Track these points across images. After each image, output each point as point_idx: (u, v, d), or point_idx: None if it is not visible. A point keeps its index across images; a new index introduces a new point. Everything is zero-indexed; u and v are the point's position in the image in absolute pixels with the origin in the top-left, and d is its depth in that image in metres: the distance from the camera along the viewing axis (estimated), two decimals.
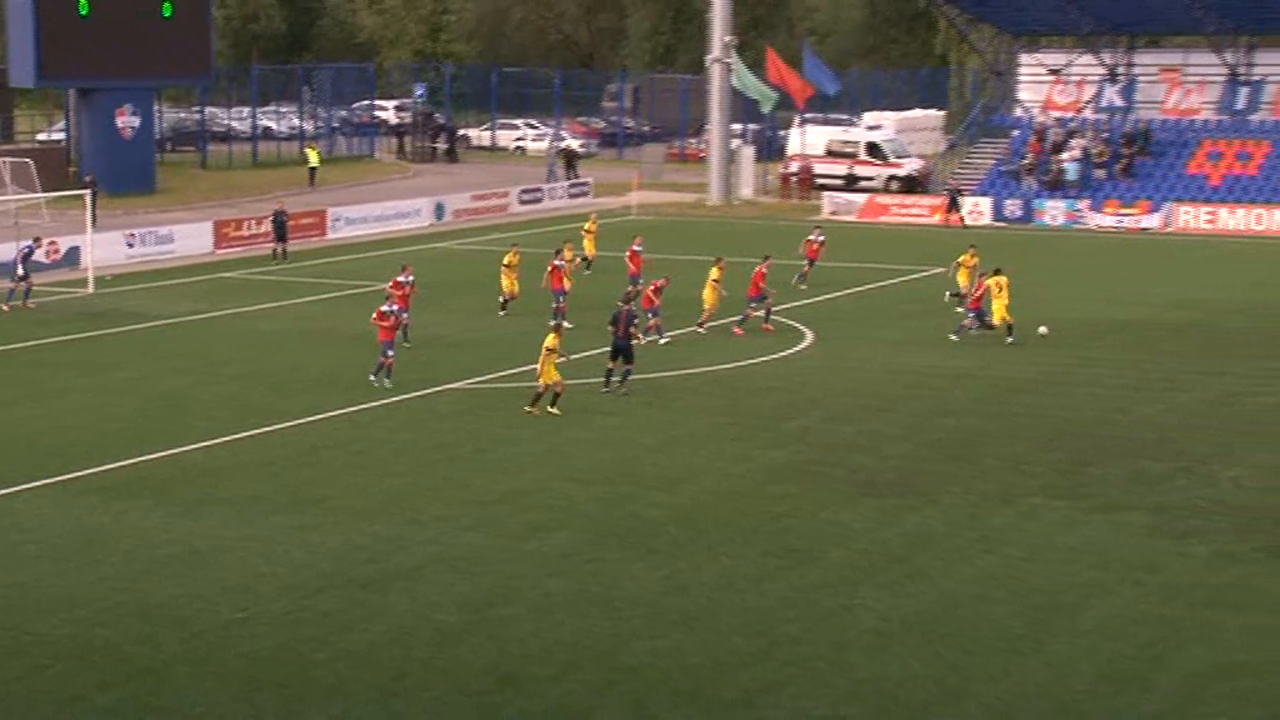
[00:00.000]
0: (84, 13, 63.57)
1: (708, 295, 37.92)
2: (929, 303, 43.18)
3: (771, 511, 24.07)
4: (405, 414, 30.34)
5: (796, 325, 38.98)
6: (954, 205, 62.44)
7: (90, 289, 44.91)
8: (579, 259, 45.17)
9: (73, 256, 48.42)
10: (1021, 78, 71.31)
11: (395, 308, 32.96)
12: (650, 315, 36.19)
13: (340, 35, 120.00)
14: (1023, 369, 34.44)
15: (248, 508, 24.11)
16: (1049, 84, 69.75)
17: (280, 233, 51.42)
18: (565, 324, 37.30)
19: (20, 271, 42.24)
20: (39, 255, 44.38)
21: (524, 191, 67.65)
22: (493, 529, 23.13)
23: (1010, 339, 36.64)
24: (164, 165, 72.56)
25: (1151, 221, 61.02)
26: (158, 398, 31.81)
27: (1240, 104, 65.76)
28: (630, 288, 40.01)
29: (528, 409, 29.71)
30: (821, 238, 46.00)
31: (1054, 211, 62.56)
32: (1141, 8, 67.70)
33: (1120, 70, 68.72)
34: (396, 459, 27.01)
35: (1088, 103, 68.62)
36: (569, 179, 73.08)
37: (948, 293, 42.07)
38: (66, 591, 20.42)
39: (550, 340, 29.85)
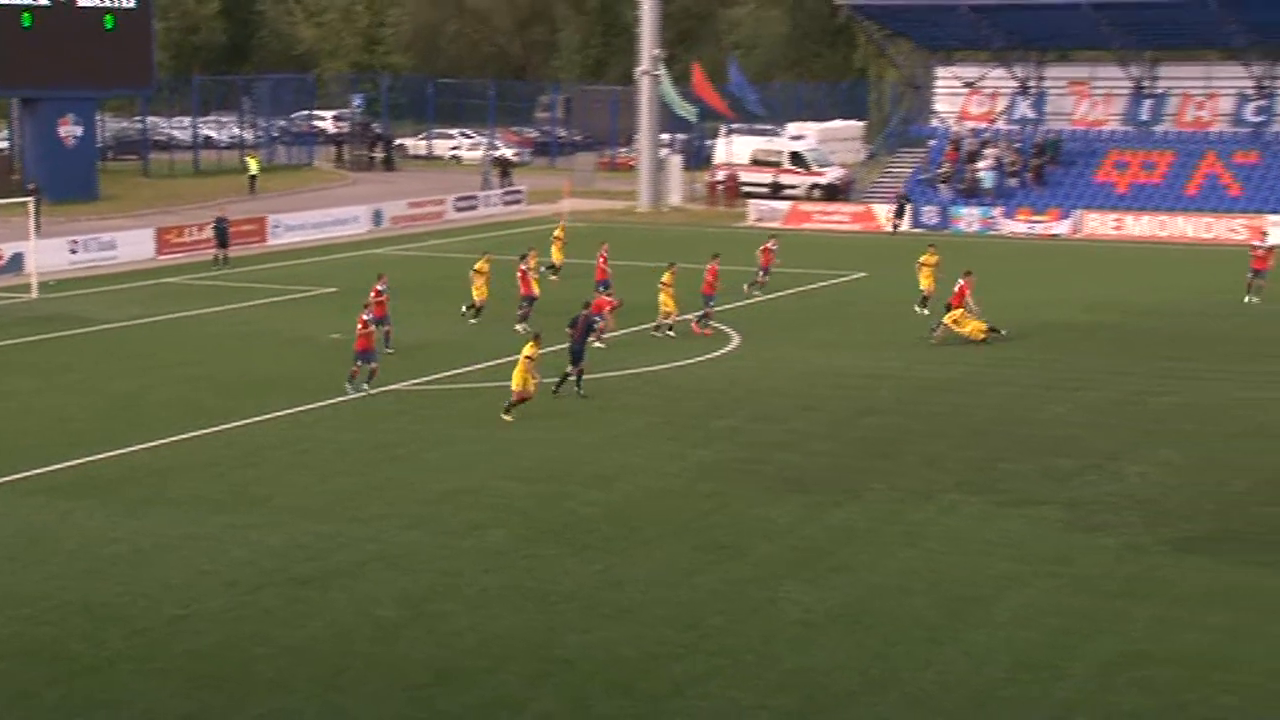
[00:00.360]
0: (27, 24, 62.81)
1: (666, 299, 37.83)
2: (852, 306, 43.36)
3: (701, 508, 24.09)
4: (349, 415, 30.14)
5: (724, 328, 39.04)
6: (900, 212, 62.75)
7: (34, 294, 44.35)
8: (543, 265, 44.89)
9: (17, 262, 47.80)
10: (937, 90, 71.73)
11: (370, 316, 32.04)
12: (598, 319, 36.08)
13: (279, 47, 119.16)
14: (942, 370, 34.65)
15: (192, 507, 23.88)
16: (964, 96, 70.20)
17: (222, 239, 51.07)
18: (521, 327, 37.43)
19: None
20: None
21: (459, 199, 67.38)
22: (432, 527, 23.01)
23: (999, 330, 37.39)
24: (106, 173, 71.82)
25: (1061, 228, 61.58)
26: (104, 400, 31.45)
27: (1145, 115, 66.45)
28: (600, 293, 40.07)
29: (504, 416, 29.24)
30: (775, 245, 45.78)
31: (969, 218, 62.99)
32: (1051, 24, 68.28)
33: (1031, 83, 69.29)
34: (339, 459, 26.83)
35: (1000, 114, 69.13)
36: (503, 187, 72.88)
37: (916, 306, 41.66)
38: (12, 590, 20.16)
39: (529, 349, 29.43)
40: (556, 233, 49.39)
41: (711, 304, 38.73)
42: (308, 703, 16.92)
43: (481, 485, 25.19)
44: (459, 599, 20.02)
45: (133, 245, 52.50)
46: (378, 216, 62.29)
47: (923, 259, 42.12)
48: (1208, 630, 19.16)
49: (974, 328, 37.22)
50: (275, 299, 44.48)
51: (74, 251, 50.63)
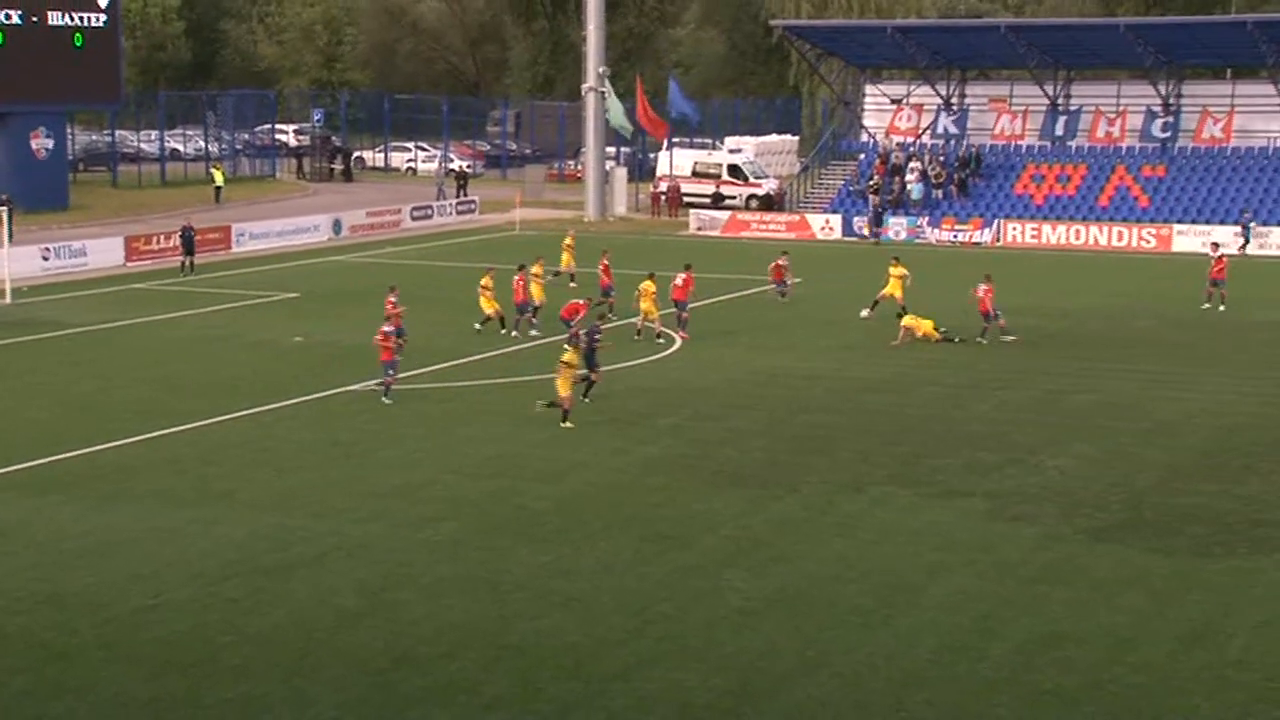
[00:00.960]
0: (0, 42, 62.09)
1: (647, 307, 37.62)
2: (786, 310, 43.41)
3: (647, 501, 24.02)
4: (307, 414, 29.89)
5: (669, 331, 38.98)
6: (879, 221, 62.85)
7: (7, 300, 43.79)
8: (551, 272, 44.26)
9: None
10: (867, 106, 71.99)
11: (392, 328, 31.18)
12: (568, 324, 35.86)
13: (242, 64, 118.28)
14: (872, 370, 34.73)
15: (157, 502, 23.61)
16: (891, 112, 70.46)
17: (188, 247, 50.68)
18: (513, 332, 37.43)
19: None
20: None
21: (415, 209, 67.03)
22: (388, 520, 22.84)
23: (953, 338, 37.35)
24: (77, 184, 71.03)
25: (983, 236, 61.92)
26: (71, 401, 31.07)
27: (1060, 131, 66.90)
28: (602, 299, 39.85)
29: (564, 425, 28.44)
30: (787, 262, 45.18)
31: (897, 227, 63.25)
32: (972, 45, 68.73)
33: (954, 100, 69.66)
34: (298, 456, 26.60)
35: (925, 129, 69.45)
36: (459, 198, 72.60)
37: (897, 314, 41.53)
38: None
39: (568, 355, 28.82)
40: (567, 240, 48.97)
41: (685, 309, 38.64)
42: (272, 687, 16.74)
43: (433, 480, 25.04)
44: (415, 588, 19.87)
45: (102, 253, 51.96)
46: (337, 225, 61.90)
47: (891, 270, 41.49)
48: (1120, 611, 19.27)
49: (928, 328, 37.45)
50: (239, 304, 44.08)
51: (46, 259, 50.06)
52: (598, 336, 31.69)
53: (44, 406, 30.50)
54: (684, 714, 16.32)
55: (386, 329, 31.10)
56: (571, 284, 45.25)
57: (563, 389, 28.63)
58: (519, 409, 30.13)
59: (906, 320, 37.76)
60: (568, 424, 28.51)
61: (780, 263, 44.89)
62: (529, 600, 19.49)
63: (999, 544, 22.04)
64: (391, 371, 30.83)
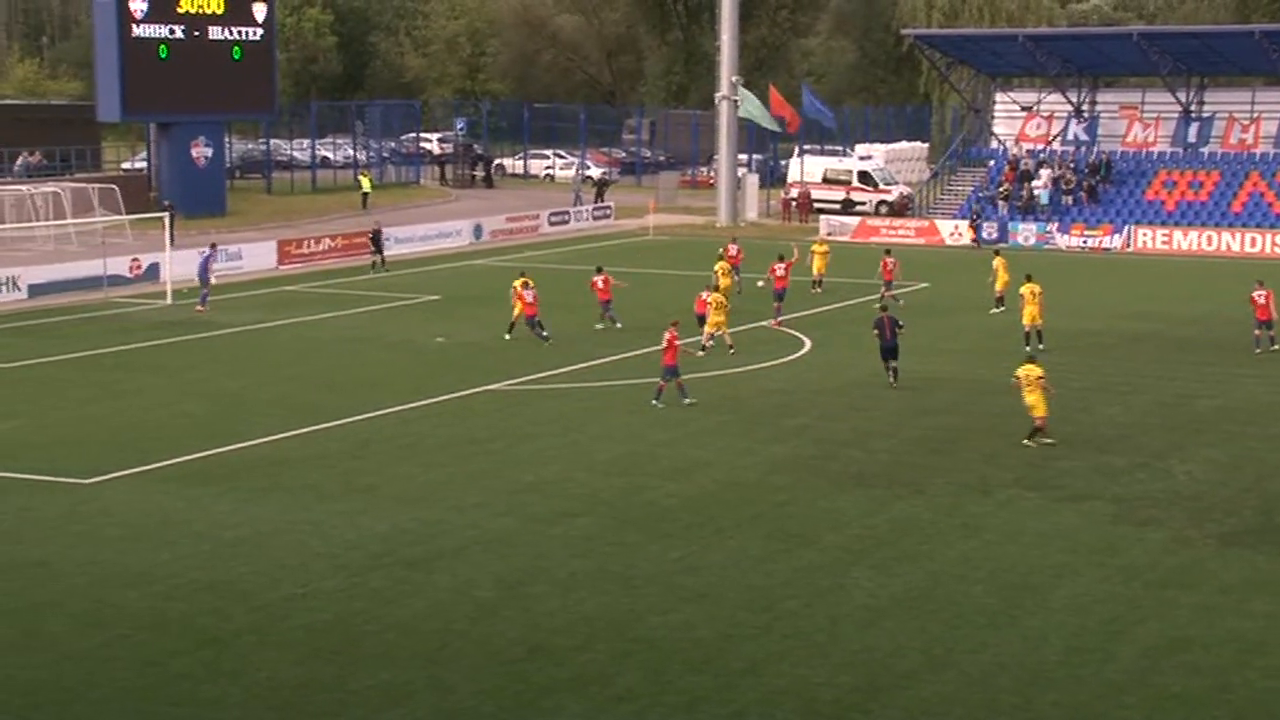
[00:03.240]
0: (164, 56, 63.74)
1: (720, 319, 35.73)
2: (910, 314, 42.97)
3: (773, 500, 23.96)
4: (447, 412, 30.27)
5: (797, 335, 38.84)
6: (977, 228, 62.27)
7: (169, 300, 44.94)
8: (814, 283, 44.56)
9: (153, 272, 48.47)
10: (996, 114, 71.01)
11: (670, 333, 30.12)
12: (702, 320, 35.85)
13: (390, 75, 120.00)
14: (996, 372, 34.19)
15: (305, 495, 24.07)
16: (1021, 119, 69.46)
17: (377, 245, 52.51)
18: (607, 324, 37.65)
19: (205, 276, 43.56)
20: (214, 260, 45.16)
21: (553, 214, 67.54)
22: (524, 515, 23.05)
23: (1040, 345, 35.75)
24: (233, 191, 72.58)
25: (1113, 242, 60.73)
26: (225, 397, 31.78)
27: (1192, 138, 65.41)
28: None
29: (1045, 441, 27.07)
30: (894, 262, 45.07)
31: (1026, 233, 62.26)
32: (1102, 52, 67.44)
33: (1084, 107, 68.44)
34: (438, 452, 26.95)
35: (1055, 136, 68.32)
36: (596, 204, 73.04)
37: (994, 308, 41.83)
38: (145, 569, 20.41)
39: (1033, 370, 27.04)
40: (818, 247, 47.93)
41: (781, 300, 39.58)
42: (413, 675, 16.98)
43: (566, 477, 25.20)
44: (550, 581, 20.03)
45: (256, 256, 53.05)
46: (478, 230, 62.58)
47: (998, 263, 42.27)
48: (1250, 617, 18.80)
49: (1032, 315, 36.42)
50: (384, 306, 44.75)
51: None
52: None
53: (200, 402, 31.24)
54: (810, 709, 16.25)
55: (675, 332, 30.15)
56: (816, 289, 45.19)
57: (1037, 408, 26.84)
58: (648, 408, 30.20)
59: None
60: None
61: (888, 262, 44.70)
62: (659, 595, 19.54)
63: (1126, 547, 21.62)
64: (671, 377, 30.12)
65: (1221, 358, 36.43)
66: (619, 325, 38.65)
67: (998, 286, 42.18)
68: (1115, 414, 30.35)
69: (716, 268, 41.72)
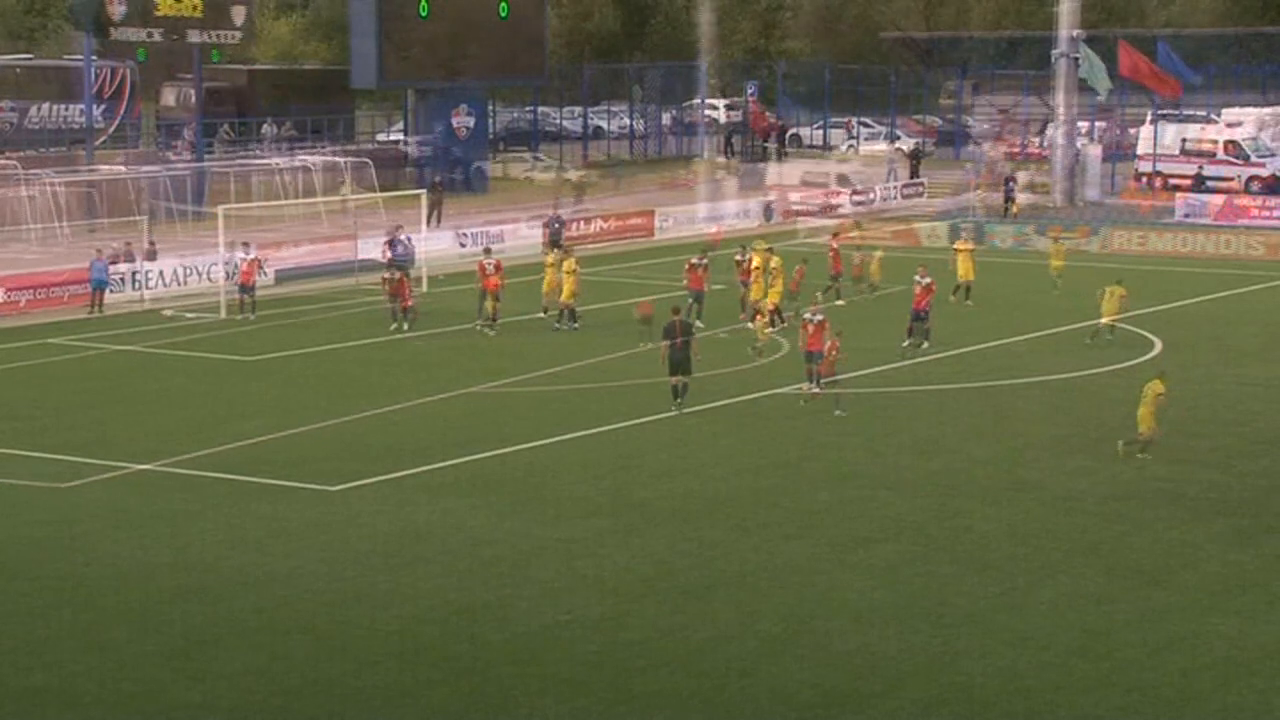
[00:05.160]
0: (424, 15, 65.58)
1: (761, 324, 36.59)
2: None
3: (1113, 529, 23.34)
4: (729, 418, 30.38)
5: (1145, 334, 37.70)
6: None
7: (424, 288, 46.15)
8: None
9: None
10: None
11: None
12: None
13: (672, 32, 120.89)
14: None
15: (571, 509, 24.50)
16: None
17: (555, 239, 50.67)
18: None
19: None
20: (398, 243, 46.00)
21: (855, 193, 67.17)
22: (817, 538, 23.00)
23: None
24: (496, 166, 74.23)
25: None
26: (482, 398, 32.50)
27: None
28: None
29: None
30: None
31: None
32: None
33: None
34: (719, 463, 27.10)
35: None
36: (909, 179, 72.39)
37: None
38: (395, 588, 21.08)
39: (1157, 385, 27.06)
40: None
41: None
42: (689, 718, 17.11)
43: (869, 496, 25.03)
44: (847, 615, 19.93)
45: (520, 239, 54.09)
46: (769, 211, 62.72)
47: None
48: None
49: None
50: (653, 296, 44.91)
51: (463, 245, 52.63)
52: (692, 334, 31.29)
53: (453, 404, 32.04)
54: None
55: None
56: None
57: (1147, 422, 26.93)
58: (962, 417, 29.73)
59: None
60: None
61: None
62: (976, 635, 19.25)
63: None
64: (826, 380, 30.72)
65: None
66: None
67: None
68: None
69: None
